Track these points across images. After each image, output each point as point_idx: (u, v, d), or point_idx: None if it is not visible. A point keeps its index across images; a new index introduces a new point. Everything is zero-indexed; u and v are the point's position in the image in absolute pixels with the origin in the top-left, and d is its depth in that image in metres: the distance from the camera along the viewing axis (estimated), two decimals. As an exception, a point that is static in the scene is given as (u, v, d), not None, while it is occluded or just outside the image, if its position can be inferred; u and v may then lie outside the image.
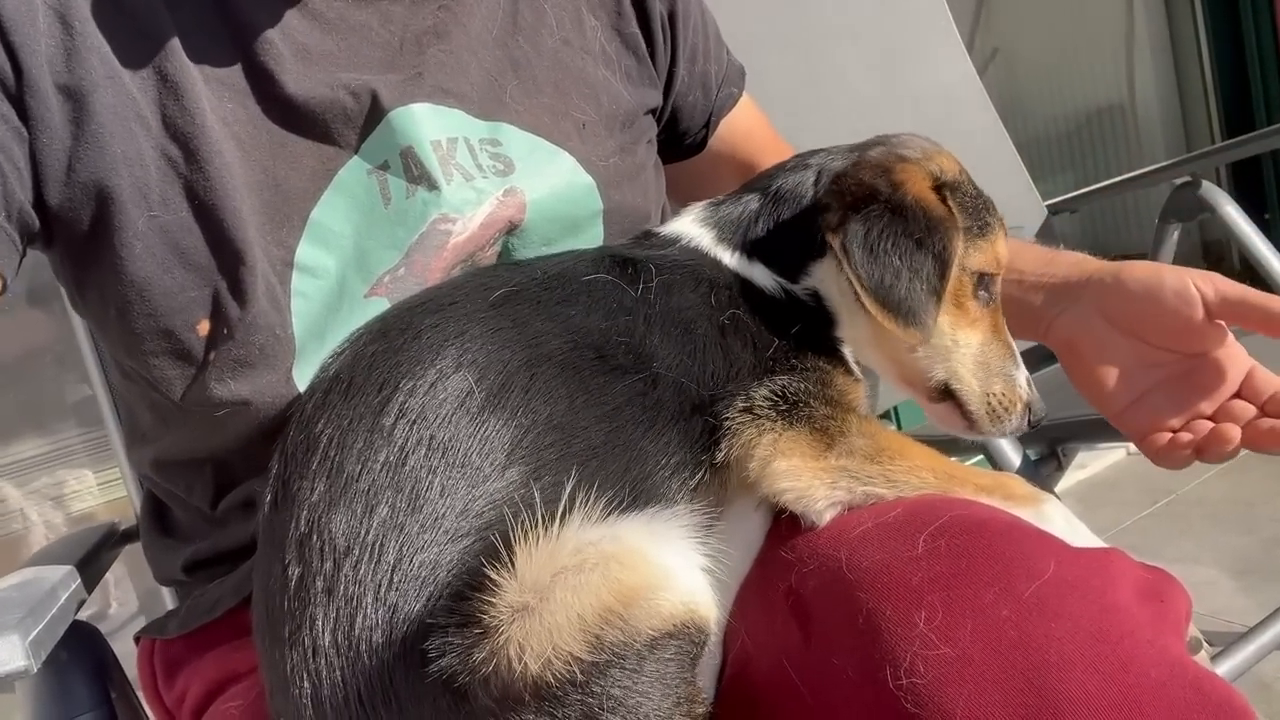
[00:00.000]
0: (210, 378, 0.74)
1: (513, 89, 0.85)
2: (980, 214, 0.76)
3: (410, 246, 0.78)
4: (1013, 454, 1.47)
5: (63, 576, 0.82)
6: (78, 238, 0.72)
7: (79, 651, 0.85)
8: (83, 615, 0.91)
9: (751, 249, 0.75)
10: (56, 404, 2.20)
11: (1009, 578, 0.54)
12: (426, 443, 0.58)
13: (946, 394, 0.74)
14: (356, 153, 0.78)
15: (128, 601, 2.13)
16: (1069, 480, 2.33)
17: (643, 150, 0.93)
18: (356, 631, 0.54)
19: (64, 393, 2.21)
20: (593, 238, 0.87)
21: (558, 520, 0.55)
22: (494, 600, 0.52)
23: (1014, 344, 0.78)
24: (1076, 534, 0.68)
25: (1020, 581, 0.53)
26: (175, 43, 0.72)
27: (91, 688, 0.85)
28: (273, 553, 0.58)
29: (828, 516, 0.65)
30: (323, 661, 0.54)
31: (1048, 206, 2.07)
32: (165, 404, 0.78)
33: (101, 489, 2.24)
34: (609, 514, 0.58)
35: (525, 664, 0.49)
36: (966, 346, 0.74)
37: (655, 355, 0.66)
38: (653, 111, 0.97)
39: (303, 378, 0.75)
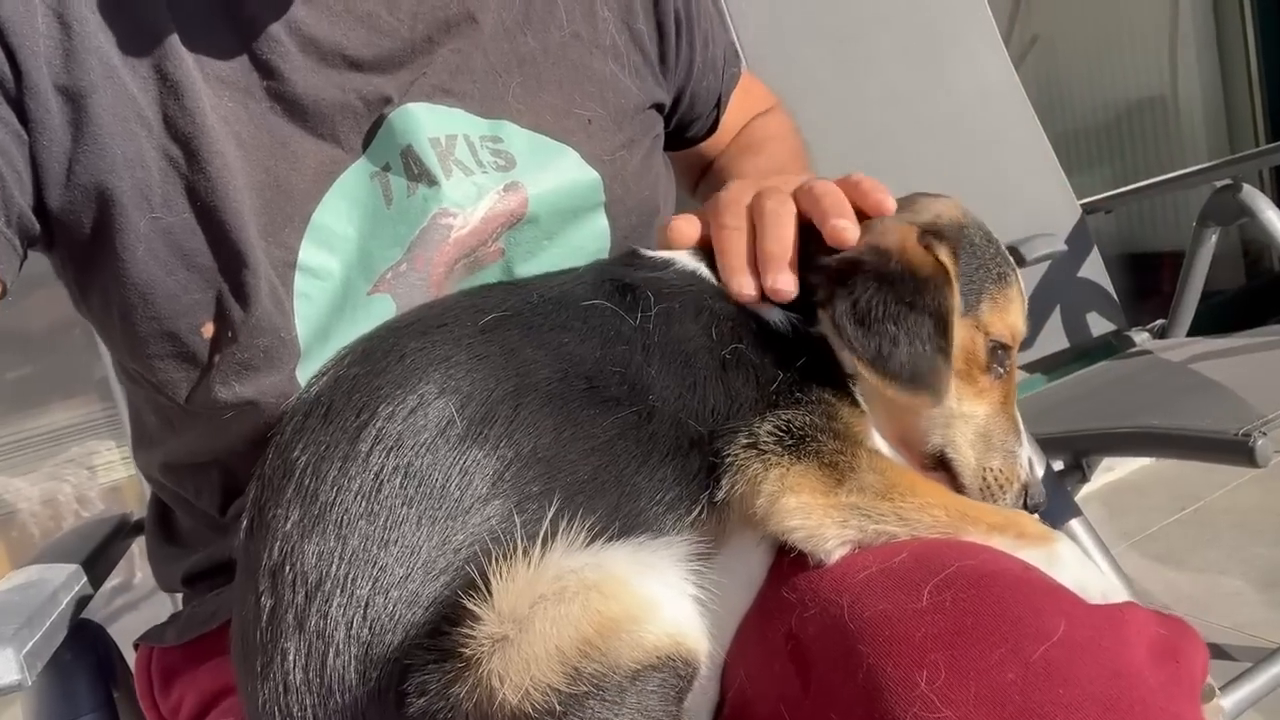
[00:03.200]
0: (215, 380, 0.73)
1: (516, 87, 0.84)
2: (995, 263, 0.73)
3: (412, 242, 0.77)
4: (1036, 465, 1.44)
5: (66, 578, 0.82)
6: (79, 241, 0.71)
7: (83, 652, 0.85)
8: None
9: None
10: (85, 377, 2.22)
11: (1017, 638, 0.52)
12: (403, 471, 0.56)
13: (941, 463, 0.71)
14: (360, 156, 0.78)
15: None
16: (1094, 483, 2.28)
17: (649, 144, 0.93)
18: (328, 669, 0.53)
19: (91, 367, 2.23)
20: (598, 232, 0.86)
21: (538, 548, 0.54)
22: (473, 633, 0.50)
23: (1020, 421, 0.75)
24: (1090, 575, 0.65)
25: (1029, 642, 0.51)
26: (175, 41, 0.71)
27: (94, 688, 0.85)
28: (247, 582, 0.57)
29: (837, 556, 0.63)
30: (293, 699, 0.53)
31: (1082, 205, 2.02)
32: (170, 407, 0.78)
33: (124, 463, 2.26)
34: (594, 543, 0.56)
35: (505, 695, 0.48)
36: (970, 418, 0.71)
37: (652, 387, 0.64)
38: (659, 107, 0.96)
39: (307, 378, 0.74)
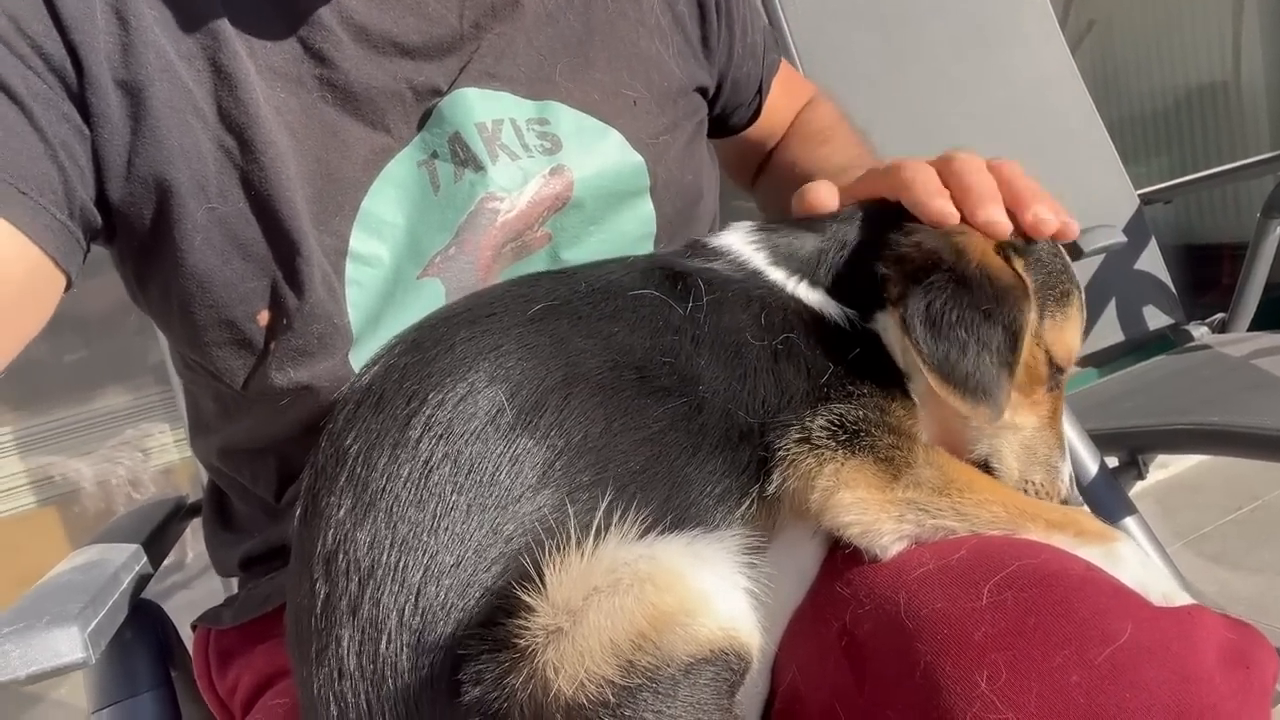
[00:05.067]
0: (271, 367, 0.75)
1: (563, 67, 0.84)
2: (1060, 279, 0.71)
3: (460, 226, 0.78)
4: (1090, 462, 1.41)
5: (127, 558, 0.84)
6: (139, 232, 0.73)
7: (142, 631, 0.87)
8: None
9: (809, 274, 0.72)
10: (141, 361, 2.27)
11: (1081, 640, 0.50)
12: (453, 459, 0.56)
13: (984, 469, 0.70)
14: (408, 144, 0.78)
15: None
16: (1147, 479, 2.23)
17: (693, 128, 0.92)
18: (381, 656, 0.53)
19: (147, 352, 2.27)
20: (644, 217, 0.86)
21: (592, 539, 0.53)
22: (527, 624, 0.50)
23: (1066, 436, 0.73)
24: (1152, 576, 0.64)
25: (1094, 645, 0.50)
26: (229, 32, 0.72)
27: (154, 667, 0.87)
28: (301, 568, 0.58)
29: (893, 551, 0.62)
30: (348, 685, 0.53)
31: (1140, 196, 1.97)
32: (228, 393, 0.79)
33: (177, 445, 2.31)
34: (647, 535, 0.56)
35: (560, 686, 0.48)
36: (1019, 430, 0.70)
37: (702, 378, 0.63)
38: (702, 91, 0.95)
39: (360, 362, 0.75)
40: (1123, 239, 1.30)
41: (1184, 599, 0.63)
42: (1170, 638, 0.51)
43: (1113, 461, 1.48)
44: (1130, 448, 1.46)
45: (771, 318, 0.68)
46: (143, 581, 0.86)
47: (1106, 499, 1.39)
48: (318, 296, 0.73)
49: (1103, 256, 1.91)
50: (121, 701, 0.84)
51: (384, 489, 0.56)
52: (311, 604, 0.56)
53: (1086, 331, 2.03)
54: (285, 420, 0.77)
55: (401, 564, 0.54)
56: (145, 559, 0.88)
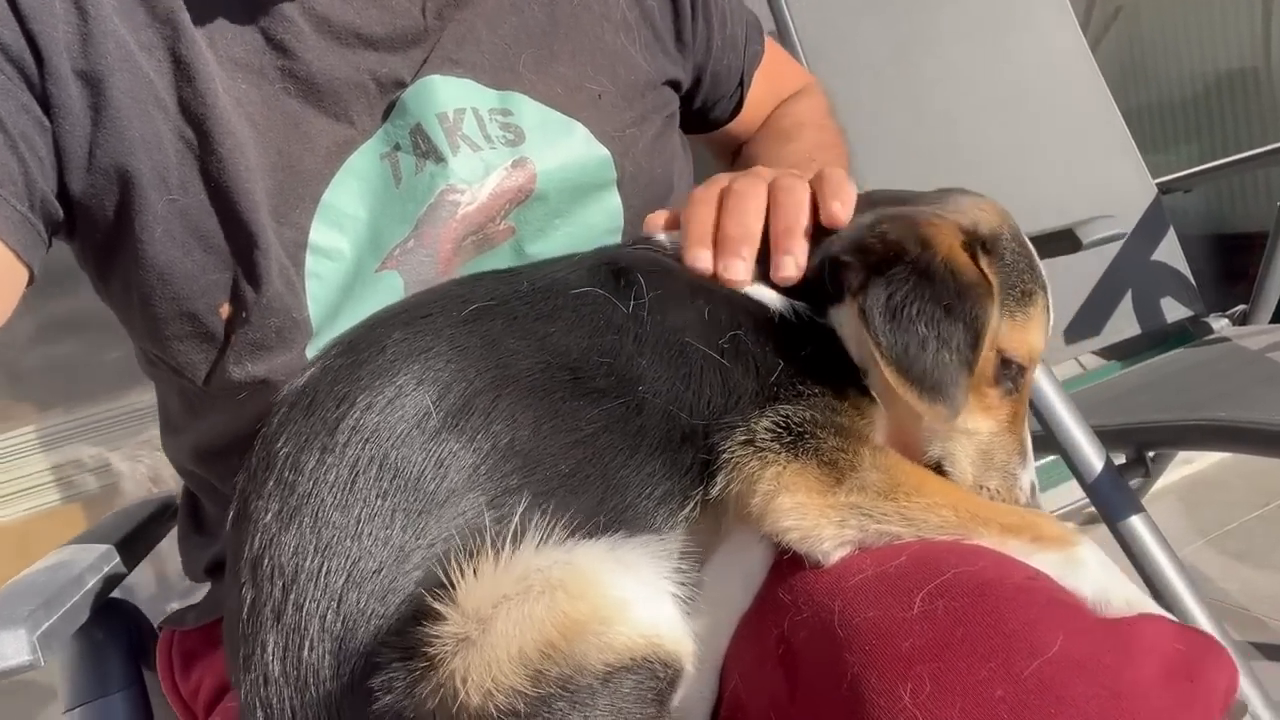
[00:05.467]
0: (229, 361, 0.75)
1: (527, 58, 0.83)
2: (1021, 279, 0.69)
3: (419, 219, 0.78)
4: (1094, 458, 1.38)
5: (95, 559, 0.84)
6: (101, 225, 0.73)
7: (115, 630, 0.88)
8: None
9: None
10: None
11: (1008, 652, 0.49)
12: (379, 462, 0.56)
13: (937, 473, 0.68)
14: (372, 137, 0.78)
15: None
16: (1171, 475, 2.17)
17: (662, 121, 0.91)
18: (304, 662, 0.53)
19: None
20: (611, 210, 0.85)
21: (508, 544, 0.53)
22: (437, 632, 0.50)
23: (1029, 443, 0.71)
24: (1114, 582, 0.61)
25: (1020, 657, 0.48)
26: (187, 23, 0.72)
27: (126, 666, 0.88)
28: (231, 573, 0.58)
29: (836, 557, 0.60)
30: (273, 691, 0.53)
31: (1159, 185, 1.92)
32: (192, 390, 0.80)
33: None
34: (569, 540, 0.55)
35: (467, 697, 0.47)
36: (973, 434, 0.68)
37: (642, 378, 0.62)
38: (674, 84, 0.94)
39: None
40: (1123, 230, 1.26)
41: (1147, 606, 0.61)
42: (1104, 650, 0.49)
43: (1120, 459, 1.43)
44: (1137, 444, 1.41)
45: (718, 314, 0.67)
46: (111, 582, 0.87)
47: (1111, 497, 1.36)
48: (275, 290, 0.73)
49: (1118, 247, 1.86)
50: (93, 701, 0.85)
51: (310, 493, 0.56)
52: (239, 609, 0.56)
53: (1101, 323, 1.98)
54: (246, 416, 0.77)
55: (324, 569, 0.54)
56: (117, 559, 0.89)
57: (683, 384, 0.63)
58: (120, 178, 0.70)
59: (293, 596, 0.54)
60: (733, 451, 0.62)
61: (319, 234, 0.76)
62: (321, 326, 0.76)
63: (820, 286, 0.69)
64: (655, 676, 0.52)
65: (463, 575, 0.51)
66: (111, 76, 0.69)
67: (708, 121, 1.04)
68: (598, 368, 0.62)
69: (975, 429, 0.68)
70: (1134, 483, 1.42)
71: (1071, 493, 1.93)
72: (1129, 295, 1.86)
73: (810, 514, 0.60)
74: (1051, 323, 0.74)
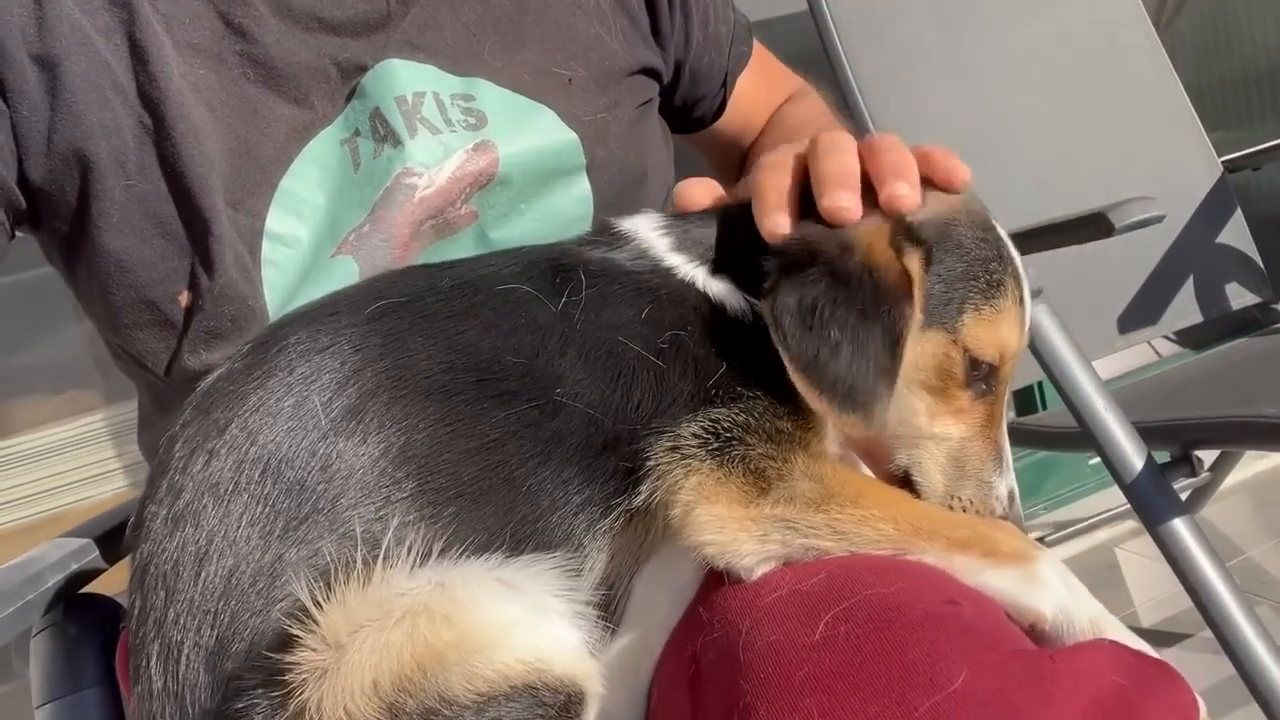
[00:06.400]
0: (185, 350, 0.74)
1: (492, 45, 0.81)
2: (988, 270, 0.63)
3: (375, 202, 0.76)
4: (1134, 456, 1.29)
5: (62, 557, 0.85)
6: (62, 211, 0.73)
7: (89, 626, 0.89)
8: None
9: (715, 263, 0.66)
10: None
11: (905, 686, 0.44)
12: (262, 467, 0.54)
13: (906, 484, 0.63)
14: (331, 123, 0.77)
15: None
16: (1243, 472, 2.03)
17: (638, 108, 0.88)
18: (181, 678, 0.51)
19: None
20: (579, 196, 0.83)
21: (378, 564, 0.50)
22: (296, 659, 0.47)
23: (1007, 448, 0.65)
24: (1076, 601, 0.56)
25: (918, 692, 0.44)
26: (144, 7, 0.72)
27: (99, 662, 0.88)
28: (130, 580, 0.56)
29: (759, 573, 0.56)
30: (157, 705, 0.52)
31: (1225, 163, 1.79)
32: (156, 383, 0.79)
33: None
34: (450, 558, 0.52)
35: None
36: (943, 440, 0.63)
37: (562, 380, 0.59)
38: (652, 73, 0.91)
39: None
40: (1161, 213, 1.17)
41: (1113, 626, 0.55)
42: (1014, 686, 0.44)
43: (1164, 457, 1.34)
44: (1183, 442, 1.32)
45: (662, 312, 0.63)
46: (85, 577, 0.87)
47: (1152, 499, 1.27)
48: (230, 278, 0.72)
49: (1179, 228, 1.75)
50: (65, 697, 0.86)
51: (195, 498, 0.54)
52: (131, 616, 0.55)
53: (1160, 311, 1.86)
54: None
55: (201, 579, 0.52)
56: (95, 554, 0.89)
57: (609, 386, 0.60)
58: (79, 162, 0.70)
59: (173, 607, 0.52)
60: (658, 458, 0.58)
61: (276, 221, 0.74)
62: (278, 314, 0.75)
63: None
64: (541, 703, 0.49)
65: (328, 597, 0.49)
66: (67, 60, 0.69)
67: (691, 120, 1.01)
68: (510, 369, 0.59)
69: (945, 434, 0.63)
70: (1181, 484, 1.32)
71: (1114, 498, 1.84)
72: (1190, 280, 1.75)
73: (729, 527, 0.56)
74: (1029, 316, 0.67)
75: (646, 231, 0.69)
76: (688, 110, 0.99)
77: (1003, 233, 0.67)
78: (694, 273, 0.66)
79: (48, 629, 0.87)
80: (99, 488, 2.36)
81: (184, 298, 0.73)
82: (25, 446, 2.03)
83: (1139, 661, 0.50)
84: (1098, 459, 1.92)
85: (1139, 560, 1.99)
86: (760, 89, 1.04)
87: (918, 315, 0.60)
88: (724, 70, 0.98)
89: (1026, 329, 0.66)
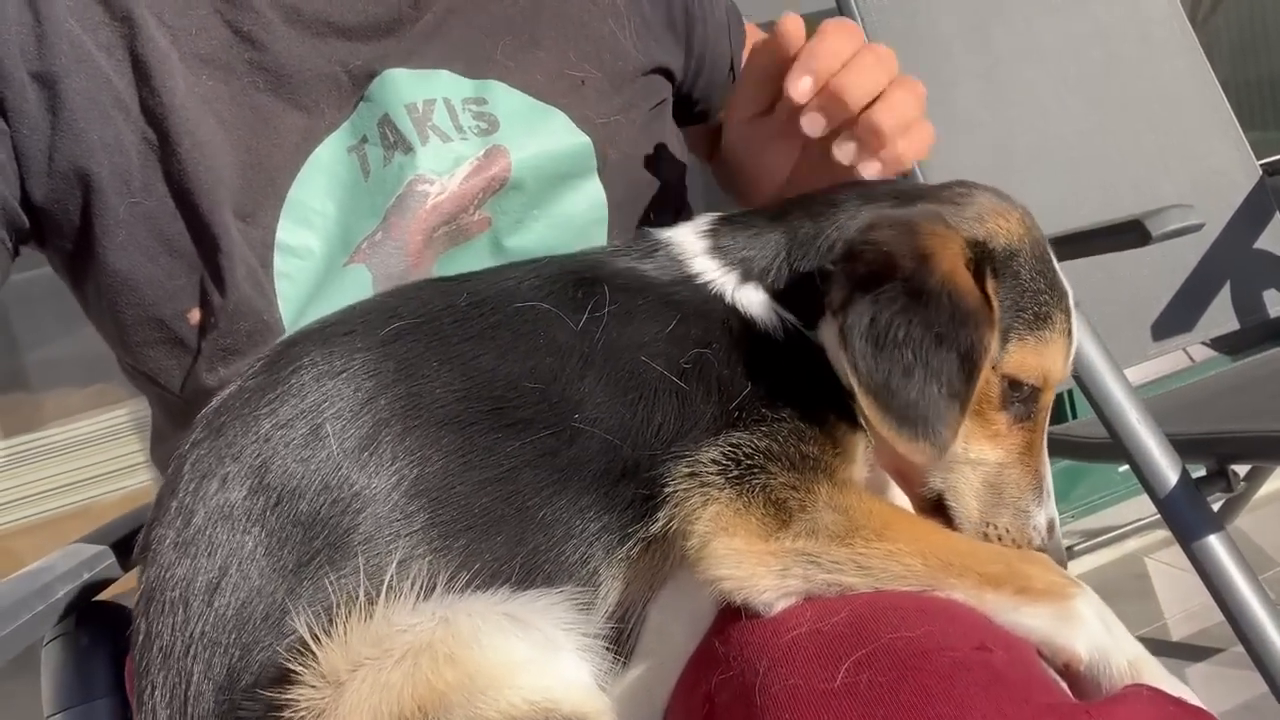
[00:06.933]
0: (201, 367, 0.73)
1: (505, 46, 0.80)
2: (1039, 300, 0.61)
3: (387, 210, 0.75)
4: (1169, 470, 1.25)
5: (74, 566, 0.84)
6: (66, 231, 0.72)
7: (101, 634, 0.88)
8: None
9: (752, 274, 0.64)
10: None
11: None
12: (275, 496, 0.52)
13: (939, 508, 0.61)
14: (338, 129, 0.76)
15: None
16: (1276, 482, 1.98)
17: (652, 110, 0.86)
18: (188, 709, 0.50)
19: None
20: (593, 201, 0.81)
21: (380, 598, 0.48)
22: (295, 696, 0.46)
23: (1049, 477, 0.63)
24: (1114, 642, 0.54)
25: (944, 750, 0.41)
26: (146, 21, 0.70)
27: (111, 671, 0.87)
28: (136, 603, 0.55)
29: (779, 608, 0.54)
30: None
31: (1265, 165, 1.74)
32: (171, 399, 0.78)
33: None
34: (456, 591, 0.50)
35: None
36: (979, 464, 0.60)
37: (582, 405, 0.57)
38: (666, 72, 0.89)
39: None
40: (1200, 221, 1.13)
41: (1151, 669, 0.53)
42: (1049, 745, 0.42)
43: (1199, 472, 1.30)
44: (1219, 455, 1.28)
45: (688, 328, 0.61)
46: (99, 586, 0.86)
47: (1186, 514, 1.23)
48: (242, 293, 0.71)
49: (1216, 233, 1.70)
50: (76, 707, 0.85)
51: (206, 525, 0.53)
52: (137, 641, 0.54)
53: (1195, 318, 1.81)
54: None
55: (212, 609, 0.51)
56: (110, 561, 0.89)
57: (629, 410, 0.58)
58: (81, 181, 0.69)
59: (181, 637, 0.51)
60: (676, 484, 0.56)
61: (286, 232, 0.73)
62: (294, 327, 0.74)
63: (812, 294, 0.62)
64: None
65: (329, 632, 0.47)
66: (67, 78, 0.68)
67: (694, 114, 0.98)
68: (527, 395, 0.57)
69: (982, 459, 0.61)
70: (1215, 499, 1.29)
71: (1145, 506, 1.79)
72: (1227, 286, 1.70)
73: (747, 561, 0.53)
74: (1074, 347, 0.65)
75: (684, 236, 0.67)
76: (696, 102, 0.97)
77: (1056, 262, 0.65)
78: (724, 282, 0.64)
79: (59, 638, 0.86)
80: (125, 480, 2.37)
81: (194, 316, 0.72)
82: (52, 439, 2.04)
83: (1180, 712, 0.47)
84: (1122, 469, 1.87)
85: (1170, 571, 1.94)
86: None
87: (996, 345, 0.58)
88: (729, 57, 0.96)
89: (1070, 360, 0.64)
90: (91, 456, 2.07)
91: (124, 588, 0.89)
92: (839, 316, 0.57)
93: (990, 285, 0.59)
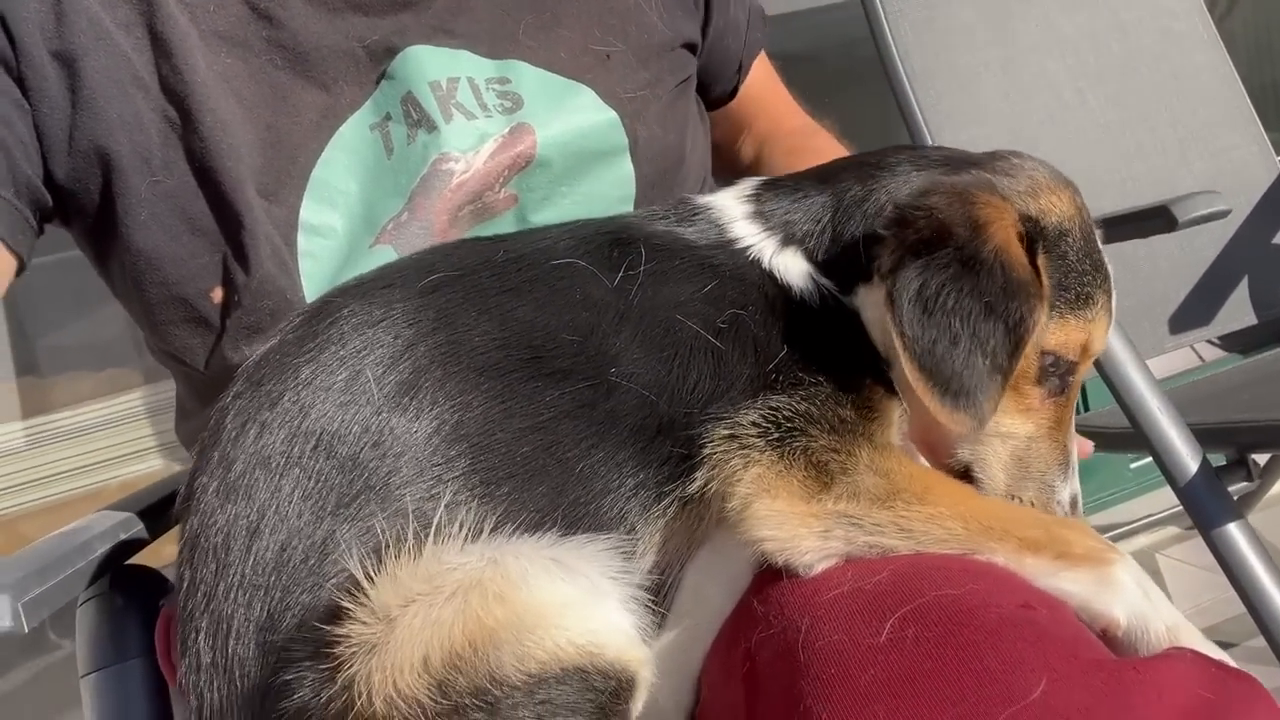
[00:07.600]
0: (226, 345, 0.74)
1: (527, 24, 0.80)
2: (1083, 280, 0.62)
3: (413, 191, 0.75)
4: (1189, 459, 1.26)
5: (110, 527, 0.85)
6: (88, 209, 0.72)
7: (135, 596, 0.89)
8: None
9: (793, 239, 0.64)
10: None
11: (980, 696, 0.42)
12: (314, 441, 0.53)
13: (965, 479, 0.61)
14: (360, 108, 0.76)
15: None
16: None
17: (677, 85, 0.86)
18: (230, 651, 0.51)
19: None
20: (621, 178, 0.81)
21: (429, 538, 0.49)
22: (346, 632, 0.47)
23: (1075, 453, 0.63)
24: (1153, 607, 0.54)
25: (994, 703, 0.42)
26: None
27: (145, 633, 0.88)
28: (179, 552, 0.56)
29: (819, 569, 0.55)
30: (204, 679, 0.51)
31: (1283, 161, 1.74)
32: (196, 376, 0.79)
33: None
34: (506, 534, 0.50)
35: (367, 703, 0.44)
36: (1009, 437, 0.61)
37: (618, 359, 0.57)
38: (690, 47, 0.89)
39: None
40: (1227, 208, 1.13)
41: (1189, 636, 0.53)
42: (1098, 699, 0.42)
43: (1219, 461, 1.30)
44: (1239, 445, 1.28)
45: (724, 290, 0.61)
46: (130, 547, 0.87)
47: (1206, 502, 1.24)
48: (266, 271, 0.71)
49: (1234, 227, 1.70)
50: (110, 667, 0.86)
51: (247, 471, 0.54)
52: (180, 588, 0.54)
53: (1212, 312, 1.81)
54: None
55: (253, 553, 0.51)
56: (139, 526, 0.89)
57: (664, 367, 0.58)
58: (101, 160, 0.69)
59: (223, 581, 0.52)
60: (715, 446, 0.57)
61: (310, 211, 0.74)
62: None
63: (854, 259, 0.62)
64: (593, 688, 0.48)
65: (378, 570, 0.48)
66: (86, 56, 0.68)
67: (703, 100, 0.98)
68: (564, 346, 0.58)
69: (1011, 432, 0.61)
70: (1236, 488, 1.29)
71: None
72: (1245, 281, 1.70)
73: (789, 523, 0.54)
74: (1111, 323, 0.65)
75: (726, 201, 0.67)
76: (702, 90, 0.96)
77: (1097, 240, 0.65)
78: (763, 247, 0.64)
79: (94, 599, 0.87)
80: (136, 465, 2.38)
81: (217, 294, 0.72)
82: (64, 423, 2.04)
83: (1222, 674, 0.47)
84: (1139, 462, 1.88)
85: (1181, 567, 1.94)
86: (767, 87, 1.02)
87: (1044, 321, 0.58)
88: (739, 56, 0.96)
89: (1106, 337, 0.64)
90: (102, 441, 2.08)
91: (153, 557, 0.91)
92: (887, 280, 0.57)
93: (1041, 260, 0.59)
